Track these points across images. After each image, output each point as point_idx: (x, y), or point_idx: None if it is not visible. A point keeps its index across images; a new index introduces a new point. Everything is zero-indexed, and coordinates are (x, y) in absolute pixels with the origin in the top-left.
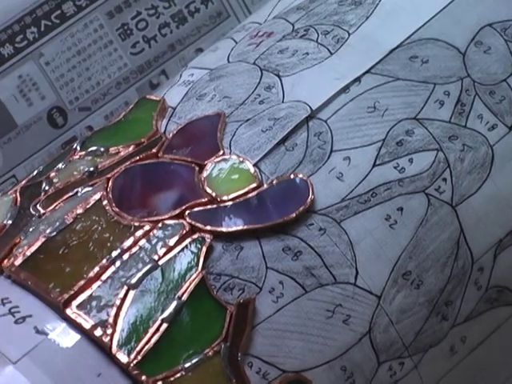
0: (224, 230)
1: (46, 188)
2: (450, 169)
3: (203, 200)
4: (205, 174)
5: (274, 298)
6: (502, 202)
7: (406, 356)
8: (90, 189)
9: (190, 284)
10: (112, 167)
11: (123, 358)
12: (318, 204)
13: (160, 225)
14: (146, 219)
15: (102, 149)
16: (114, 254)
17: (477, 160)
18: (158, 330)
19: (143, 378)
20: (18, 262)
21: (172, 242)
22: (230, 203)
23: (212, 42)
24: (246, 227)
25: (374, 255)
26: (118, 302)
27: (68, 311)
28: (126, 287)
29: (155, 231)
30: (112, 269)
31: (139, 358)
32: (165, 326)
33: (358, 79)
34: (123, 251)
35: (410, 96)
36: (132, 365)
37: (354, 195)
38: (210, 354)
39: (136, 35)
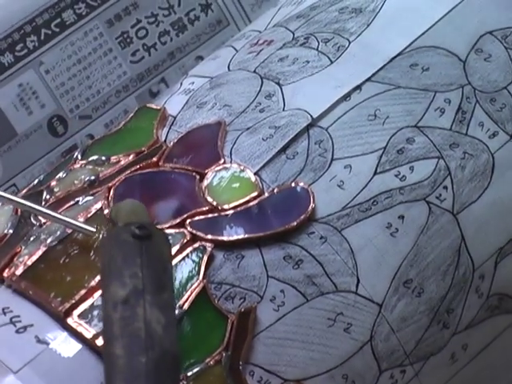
0: (225, 238)
1: (47, 197)
2: (451, 177)
3: (204, 209)
4: (205, 182)
5: (275, 306)
6: (502, 210)
7: (407, 364)
8: (90, 198)
9: (191, 293)
10: (113, 176)
11: None
12: (318, 212)
13: None
14: None
15: (103, 158)
16: None
17: (478, 168)
18: None
19: None
20: (18, 272)
21: (173, 251)
22: (231, 212)
23: (212, 49)
24: (246, 236)
25: (375, 263)
26: None
27: (69, 321)
28: None
29: None
30: None
31: None
32: None
33: (358, 87)
34: None
35: (411, 104)
36: None
37: (354, 203)
38: (212, 363)
39: (136, 43)
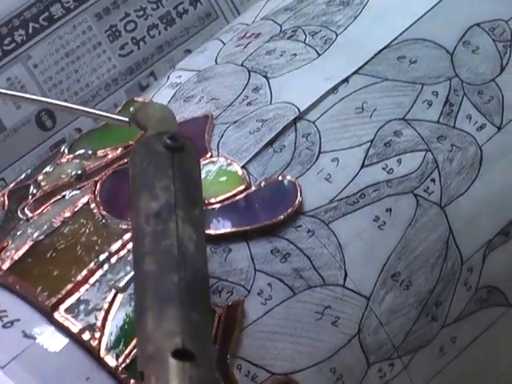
0: (212, 232)
1: (34, 191)
2: (439, 169)
3: None
4: None
5: (262, 300)
6: (490, 203)
7: (395, 357)
8: (77, 192)
9: None
10: (100, 170)
11: (111, 361)
12: (306, 206)
13: None
14: None
15: (90, 152)
16: (102, 257)
17: (465, 160)
18: None
19: (132, 381)
20: (5, 266)
21: None
22: (218, 205)
23: (201, 43)
24: (234, 229)
25: (362, 256)
26: (106, 306)
27: (56, 315)
28: (114, 290)
29: None
30: (100, 272)
31: (128, 361)
32: None
33: (346, 80)
34: (111, 254)
35: (399, 96)
36: (120, 368)
37: (342, 196)
38: None
39: (124, 37)
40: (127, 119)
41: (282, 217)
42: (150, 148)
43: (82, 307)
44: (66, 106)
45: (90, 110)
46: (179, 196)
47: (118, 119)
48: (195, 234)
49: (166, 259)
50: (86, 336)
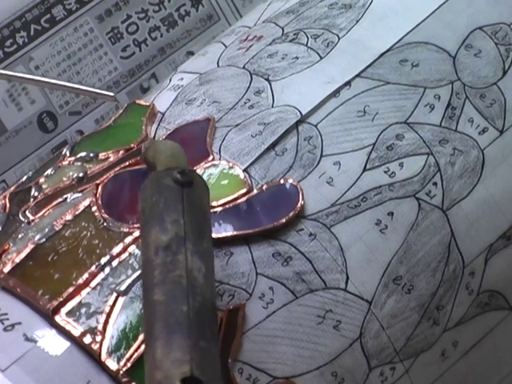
0: (213, 235)
1: (35, 194)
2: (441, 173)
3: None
4: None
5: (264, 303)
6: (492, 206)
7: (397, 361)
8: (79, 195)
9: None
10: (101, 173)
11: (113, 365)
12: (308, 209)
13: None
14: (135, 225)
15: (92, 154)
16: (104, 260)
17: (467, 164)
18: None
19: None
20: (6, 269)
21: None
22: (220, 209)
23: (203, 45)
24: (235, 233)
25: (364, 260)
26: (107, 309)
27: (57, 318)
28: (115, 294)
29: None
30: (101, 275)
31: (129, 365)
32: None
33: (348, 83)
34: (112, 258)
35: (401, 100)
36: (121, 372)
37: (344, 200)
38: None
39: (126, 39)
40: (112, 94)
41: (283, 220)
42: (160, 182)
43: (83, 310)
44: (50, 83)
45: (76, 86)
46: (188, 229)
47: (103, 94)
48: (204, 265)
49: (175, 289)
50: (87, 339)
